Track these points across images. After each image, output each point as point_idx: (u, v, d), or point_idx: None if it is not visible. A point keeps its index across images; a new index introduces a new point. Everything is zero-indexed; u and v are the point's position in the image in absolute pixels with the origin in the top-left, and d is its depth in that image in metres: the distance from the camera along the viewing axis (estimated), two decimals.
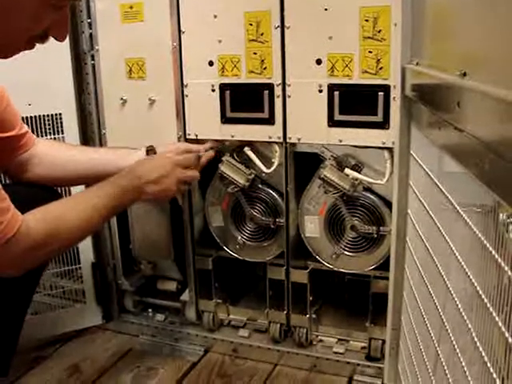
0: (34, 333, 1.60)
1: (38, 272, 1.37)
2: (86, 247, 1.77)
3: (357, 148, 1.47)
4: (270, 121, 1.50)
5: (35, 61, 1.46)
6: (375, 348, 1.57)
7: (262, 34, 1.46)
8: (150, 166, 1.39)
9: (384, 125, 1.38)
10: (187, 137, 1.61)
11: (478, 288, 0.72)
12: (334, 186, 1.49)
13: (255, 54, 1.48)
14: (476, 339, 0.73)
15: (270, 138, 1.52)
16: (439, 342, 0.94)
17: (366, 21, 1.34)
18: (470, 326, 0.76)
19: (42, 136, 1.61)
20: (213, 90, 1.55)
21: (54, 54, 1.59)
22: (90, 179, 1.43)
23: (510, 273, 0.61)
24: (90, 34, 1.67)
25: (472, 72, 0.71)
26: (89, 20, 1.66)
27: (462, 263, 0.80)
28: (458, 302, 0.82)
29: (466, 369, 0.77)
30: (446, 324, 0.89)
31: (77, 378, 1.62)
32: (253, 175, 1.60)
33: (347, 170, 1.46)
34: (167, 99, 1.61)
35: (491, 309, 0.67)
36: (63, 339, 1.80)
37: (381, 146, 1.40)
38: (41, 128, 1.61)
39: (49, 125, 1.65)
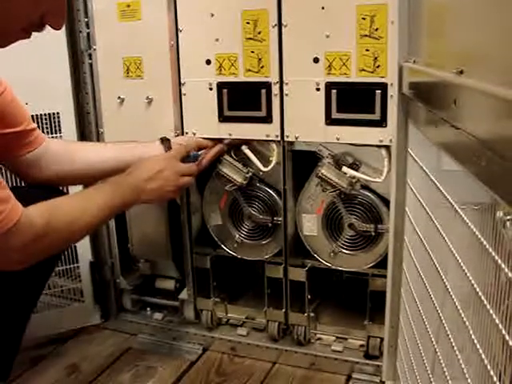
0: (32, 332, 1.59)
1: (44, 276, 1.37)
2: (84, 246, 1.77)
3: (354, 146, 1.47)
4: (267, 119, 1.50)
5: (33, 60, 1.47)
6: (373, 346, 1.58)
7: (259, 33, 1.46)
8: (149, 166, 1.39)
9: (381, 123, 1.38)
10: (185, 135, 1.61)
11: (476, 286, 0.73)
12: (331, 184, 1.49)
13: (252, 52, 1.48)
14: (474, 337, 0.73)
15: (268, 136, 1.52)
16: (437, 339, 0.95)
17: (363, 19, 1.34)
18: (467, 323, 0.76)
19: None
20: (210, 89, 1.55)
21: (52, 53, 1.59)
22: (109, 172, 1.44)
23: (507, 270, 0.61)
24: (88, 33, 1.67)
25: (469, 70, 0.71)
26: (86, 19, 1.66)
27: (460, 261, 0.80)
28: (455, 300, 0.83)
29: (463, 366, 0.77)
30: (443, 322, 0.89)
31: (75, 377, 1.62)
32: (250, 174, 1.60)
33: (345, 169, 1.46)
34: (165, 98, 1.61)
35: (488, 306, 0.67)
36: (62, 338, 1.80)
37: (378, 144, 1.40)
38: (38, 127, 1.60)
39: (46, 124, 1.65)
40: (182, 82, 1.58)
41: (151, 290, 1.90)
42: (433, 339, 0.97)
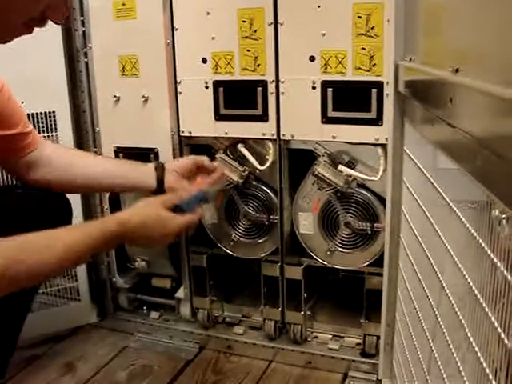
0: (28, 331, 1.59)
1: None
2: None
3: (350, 144, 1.47)
4: (263, 118, 1.50)
5: (28, 58, 1.46)
6: (370, 344, 1.58)
7: (255, 31, 1.46)
8: (153, 226, 1.21)
9: (377, 121, 1.38)
10: (181, 134, 1.61)
11: (472, 284, 0.73)
12: (327, 182, 1.49)
13: (248, 50, 1.48)
14: (469, 335, 0.73)
15: (264, 134, 1.52)
16: (433, 337, 0.95)
17: (359, 17, 1.34)
18: (463, 321, 0.76)
19: None
20: (206, 87, 1.55)
21: (47, 52, 1.59)
22: (101, 189, 1.40)
23: (503, 269, 0.61)
24: (83, 32, 1.67)
25: (464, 68, 0.71)
26: (82, 17, 1.65)
27: (456, 259, 0.80)
28: (451, 298, 0.83)
29: (459, 364, 0.78)
30: (440, 320, 0.90)
31: (72, 376, 1.62)
32: (246, 172, 1.60)
33: (341, 167, 1.46)
34: (161, 96, 1.61)
35: (484, 304, 0.67)
36: (58, 337, 1.80)
37: (374, 142, 1.40)
38: (34, 126, 1.60)
39: (42, 123, 1.65)
40: (178, 80, 1.58)
41: (147, 289, 1.90)
42: (429, 337, 0.97)
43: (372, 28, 1.34)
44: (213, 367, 1.64)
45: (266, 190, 1.62)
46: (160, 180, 1.41)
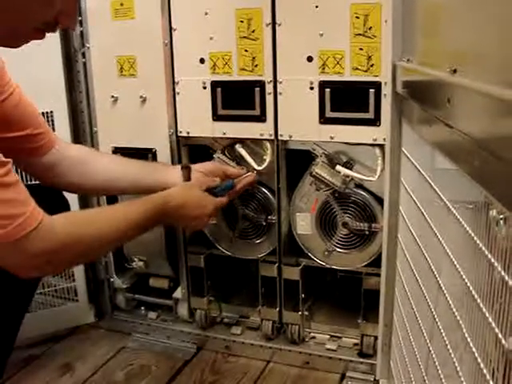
0: (26, 331, 1.59)
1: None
2: None
3: (348, 145, 1.47)
4: (261, 118, 1.50)
5: (26, 59, 1.46)
6: (367, 344, 1.58)
7: (253, 31, 1.46)
8: (193, 205, 1.36)
9: (375, 122, 1.38)
10: (179, 134, 1.61)
11: (469, 284, 0.73)
12: (325, 183, 1.49)
13: (246, 51, 1.48)
14: (467, 335, 0.73)
15: (262, 135, 1.52)
16: (431, 337, 0.95)
17: (357, 18, 1.34)
18: (461, 322, 0.76)
19: None
20: (204, 88, 1.55)
21: (45, 52, 1.58)
22: (125, 191, 1.46)
23: (500, 269, 0.61)
24: (81, 32, 1.67)
25: (462, 69, 0.72)
26: (79, 17, 1.65)
27: (453, 260, 0.80)
28: (449, 298, 0.83)
29: (457, 364, 0.78)
30: (437, 320, 0.90)
31: (69, 377, 1.62)
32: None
33: (338, 167, 1.46)
34: (158, 97, 1.60)
35: (482, 305, 0.67)
36: (55, 338, 1.80)
37: (372, 142, 1.41)
38: None
39: None
40: (176, 80, 1.58)
41: (145, 289, 1.90)
42: (426, 337, 0.97)
43: (370, 28, 1.34)
44: (211, 367, 1.65)
45: (264, 190, 1.62)
46: (187, 180, 1.47)
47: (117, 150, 1.69)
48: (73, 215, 1.12)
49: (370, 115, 1.39)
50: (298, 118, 1.47)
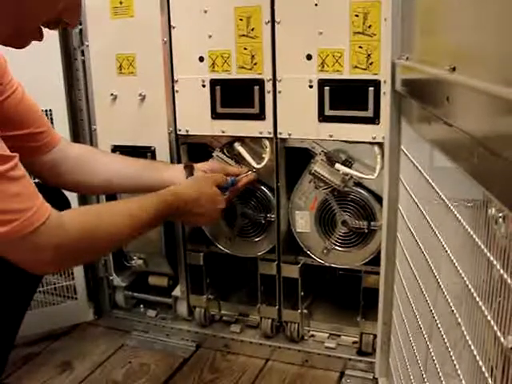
0: (25, 329, 1.59)
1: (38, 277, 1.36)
2: None
3: (347, 143, 1.47)
4: (260, 116, 1.50)
5: (25, 57, 1.45)
6: (366, 343, 1.58)
7: (252, 29, 1.46)
8: (204, 200, 1.36)
9: (374, 120, 1.38)
10: (178, 132, 1.61)
11: (468, 282, 0.73)
12: (324, 181, 1.49)
13: (245, 49, 1.48)
14: (466, 333, 0.73)
15: (261, 133, 1.52)
16: (430, 336, 0.95)
17: (356, 16, 1.34)
18: (460, 320, 0.76)
19: None
20: (203, 86, 1.55)
21: (44, 50, 1.58)
22: (127, 190, 1.47)
23: (499, 267, 0.61)
24: (80, 30, 1.67)
25: (461, 67, 0.72)
26: None
27: (452, 258, 0.80)
28: (448, 297, 0.83)
29: (456, 362, 0.78)
30: (436, 318, 0.90)
31: (69, 375, 1.62)
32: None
33: (338, 165, 1.46)
34: (158, 95, 1.60)
35: (480, 303, 0.67)
36: (55, 336, 1.80)
37: (371, 141, 1.41)
38: None
39: None
40: (175, 78, 1.58)
41: (144, 287, 1.90)
42: (425, 336, 0.97)
43: (369, 26, 1.34)
44: (210, 366, 1.65)
45: (263, 188, 1.62)
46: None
47: (116, 148, 1.69)
48: (82, 209, 1.11)
49: (369, 113, 1.39)
50: (297, 116, 1.47)
